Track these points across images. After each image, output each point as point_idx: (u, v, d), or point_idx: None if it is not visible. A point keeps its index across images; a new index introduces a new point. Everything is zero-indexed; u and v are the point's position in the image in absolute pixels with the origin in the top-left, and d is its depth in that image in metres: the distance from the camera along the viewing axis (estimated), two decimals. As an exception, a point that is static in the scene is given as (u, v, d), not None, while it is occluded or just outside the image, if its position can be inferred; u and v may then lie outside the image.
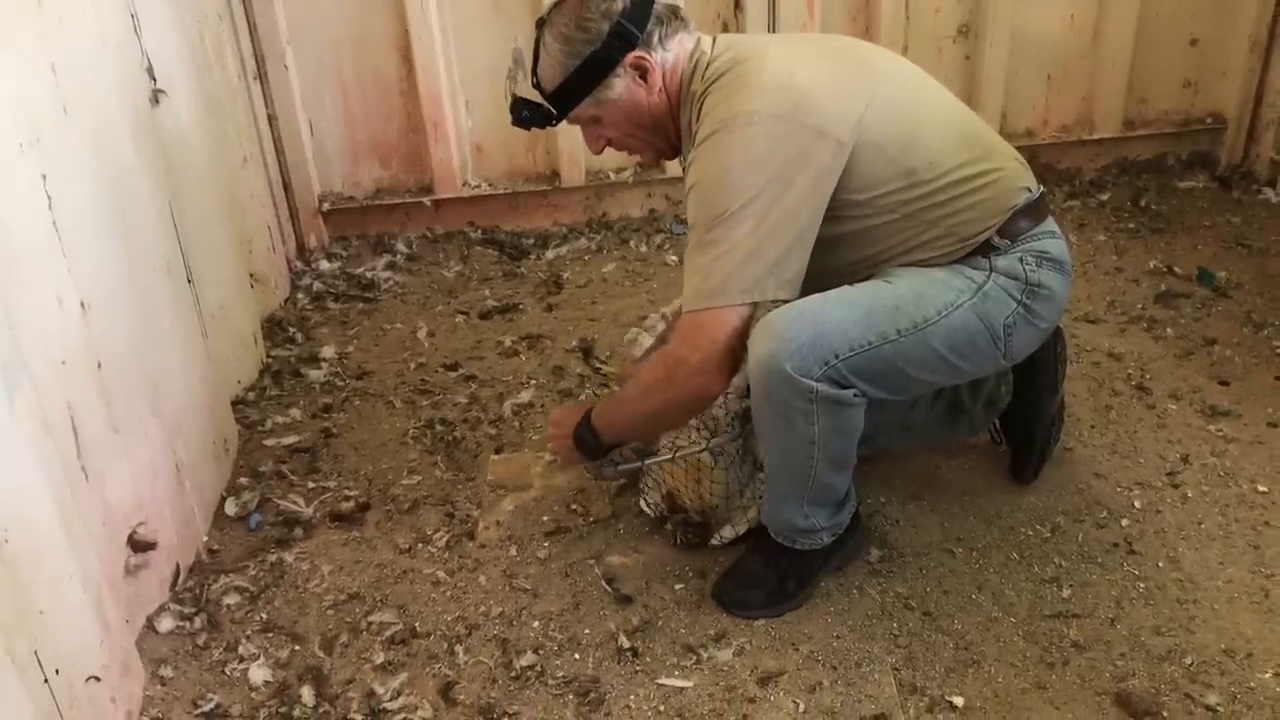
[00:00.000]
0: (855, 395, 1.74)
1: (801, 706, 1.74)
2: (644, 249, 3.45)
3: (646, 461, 2.03)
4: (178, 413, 2.14)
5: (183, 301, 2.26)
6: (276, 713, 1.80)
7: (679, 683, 1.81)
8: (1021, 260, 1.80)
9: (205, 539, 2.21)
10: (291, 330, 3.03)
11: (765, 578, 1.94)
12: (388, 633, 1.95)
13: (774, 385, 1.71)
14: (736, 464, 2.04)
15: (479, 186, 3.55)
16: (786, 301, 1.72)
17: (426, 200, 3.53)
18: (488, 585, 2.06)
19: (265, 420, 2.62)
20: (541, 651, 1.89)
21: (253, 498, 2.32)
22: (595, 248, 3.48)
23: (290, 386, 2.78)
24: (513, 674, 1.85)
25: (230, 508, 2.30)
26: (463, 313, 3.13)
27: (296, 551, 2.17)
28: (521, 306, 3.14)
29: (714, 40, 1.87)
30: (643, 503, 2.16)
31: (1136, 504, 2.14)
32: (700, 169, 1.73)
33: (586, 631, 1.93)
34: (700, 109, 1.78)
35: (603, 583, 2.03)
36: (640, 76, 1.82)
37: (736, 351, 1.72)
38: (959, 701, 1.73)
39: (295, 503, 2.30)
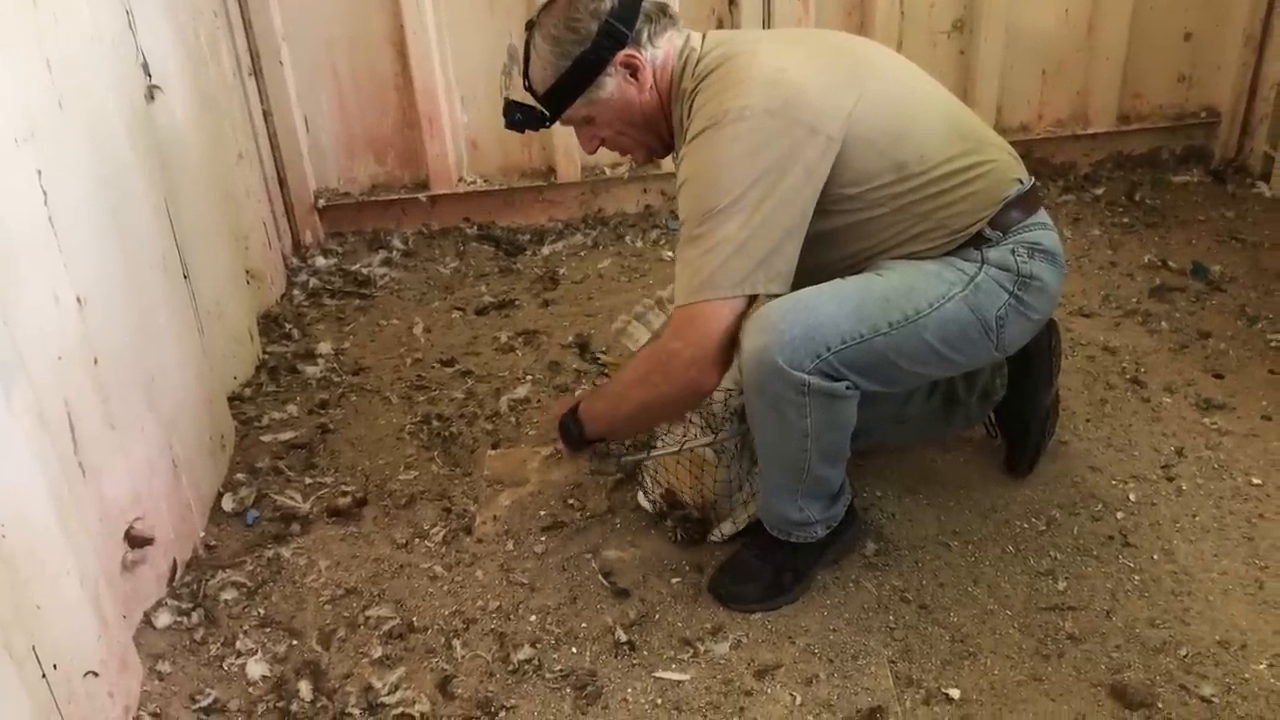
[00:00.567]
0: (848, 388, 1.75)
1: (798, 699, 1.75)
2: (640, 244, 3.45)
3: (651, 454, 2.03)
4: (174, 409, 2.14)
5: (179, 297, 2.26)
6: (274, 707, 1.81)
7: (676, 676, 1.81)
8: (1013, 252, 1.80)
9: (202, 534, 2.21)
10: (288, 326, 3.03)
11: (761, 571, 1.95)
12: (385, 627, 1.96)
13: (766, 378, 1.71)
14: (737, 460, 2.05)
15: (474, 182, 3.55)
16: (778, 296, 1.72)
17: (422, 196, 3.52)
18: (485, 580, 2.06)
19: (262, 416, 2.62)
20: (539, 645, 1.89)
21: (250, 493, 2.32)
22: (591, 243, 3.48)
23: (287, 383, 2.78)
24: (510, 668, 1.85)
25: (227, 503, 2.30)
26: (459, 309, 3.13)
27: (294, 547, 2.18)
28: (518, 302, 3.14)
29: (704, 37, 1.87)
30: (641, 498, 2.17)
31: (1131, 497, 2.15)
32: (691, 165, 1.74)
33: (584, 625, 1.93)
34: (691, 106, 1.79)
35: (599, 577, 2.04)
36: (631, 75, 1.83)
37: (729, 346, 1.73)
38: (955, 694, 1.74)
39: (292, 498, 2.30)
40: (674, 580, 2.02)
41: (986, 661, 1.80)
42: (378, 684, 1.83)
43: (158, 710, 1.82)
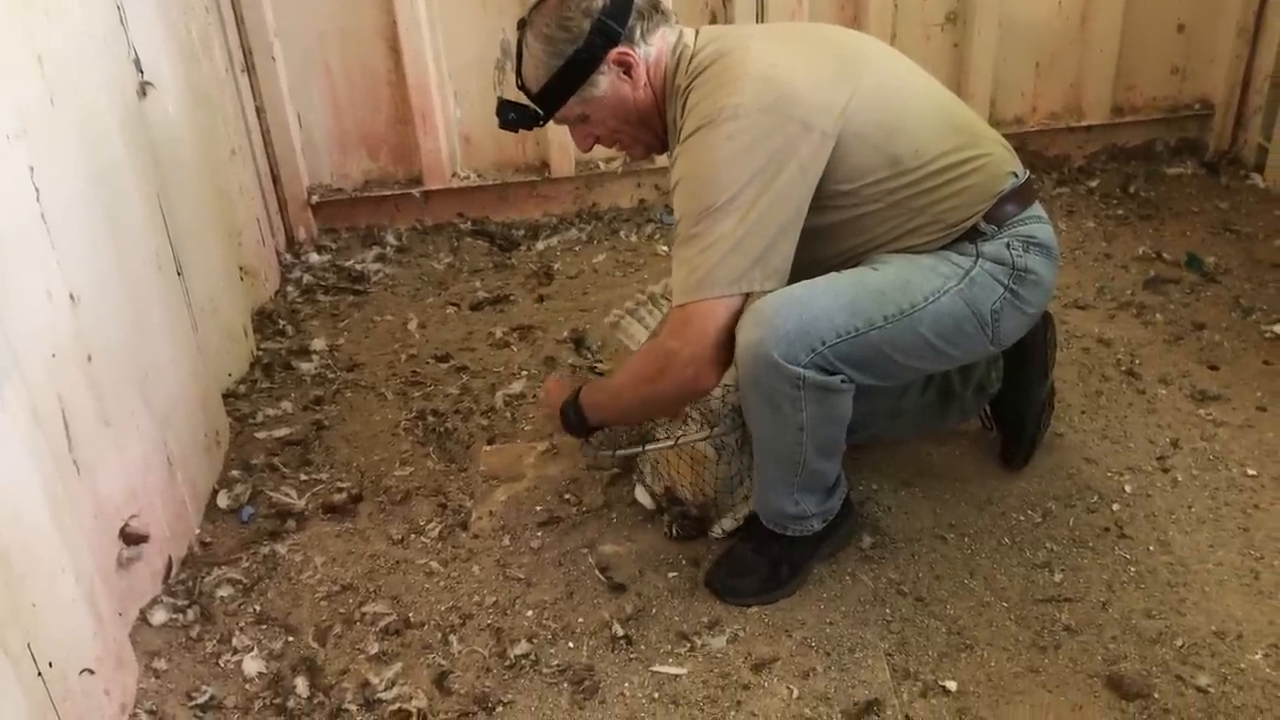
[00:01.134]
0: (843, 381, 1.75)
1: (795, 692, 1.75)
2: (634, 239, 3.45)
3: (646, 448, 2.02)
4: (169, 405, 2.13)
5: (172, 294, 2.25)
6: (271, 704, 1.80)
7: (673, 670, 1.81)
8: (1008, 245, 1.80)
9: (197, 531, 2.21)
10: (282, 323, 3.03)
11: (758, 565, 1.95)
12: (381, 623, 1.96)
13: (761, 372, 1.71)
14: (736, 456, 2.05)
15: (468, 178, 3.54)
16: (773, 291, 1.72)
17: (416, 192, 3.52)
18: (481, 575, 2.06)
19: (256, 413, 2.61)
20: (535, 640, 1.89)
21: (245, 490, 2.32)
22: (585, 238, 3.47)
23: (281, 379, 2.77)
24: (507, 663, 1.85)
25: (222, 500, 2.29)
26: (453, 304, 3.13)
27: (289, 543, 2.17)
28: (512, 297, 3.14)
29: (697, 33, 1.87)
30: (639, 494, 2.17)
31: (1127, 488, 2.15)
32: (686, 164, 1.74)
33: (580, 620, 1.93)
34: (685, 103, 1.78)
35: (596, 571, 2.04)
36: (625, 72, 1.82)
37: (727, 344, 1.72)
38: (952, 686, 1.74)
39: (287, 495, 2.30)
40: (670, 574, 2.02)
41: (983, 653, 1.80)
42: (374, 680, 1.83)
43: (154, 708, 1.81)
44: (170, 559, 2.08)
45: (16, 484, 1.51)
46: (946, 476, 2.22)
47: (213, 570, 2.10)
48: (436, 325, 3.02)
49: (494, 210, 3.59)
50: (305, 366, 2.81)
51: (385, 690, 1.81)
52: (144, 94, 2.29)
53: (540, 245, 3.44)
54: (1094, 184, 3.53)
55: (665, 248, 3.37)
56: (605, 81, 1.82)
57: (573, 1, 1.78)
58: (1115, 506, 2.11)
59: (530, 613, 1.96)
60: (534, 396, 2.62)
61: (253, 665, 1.88)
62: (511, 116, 1.90)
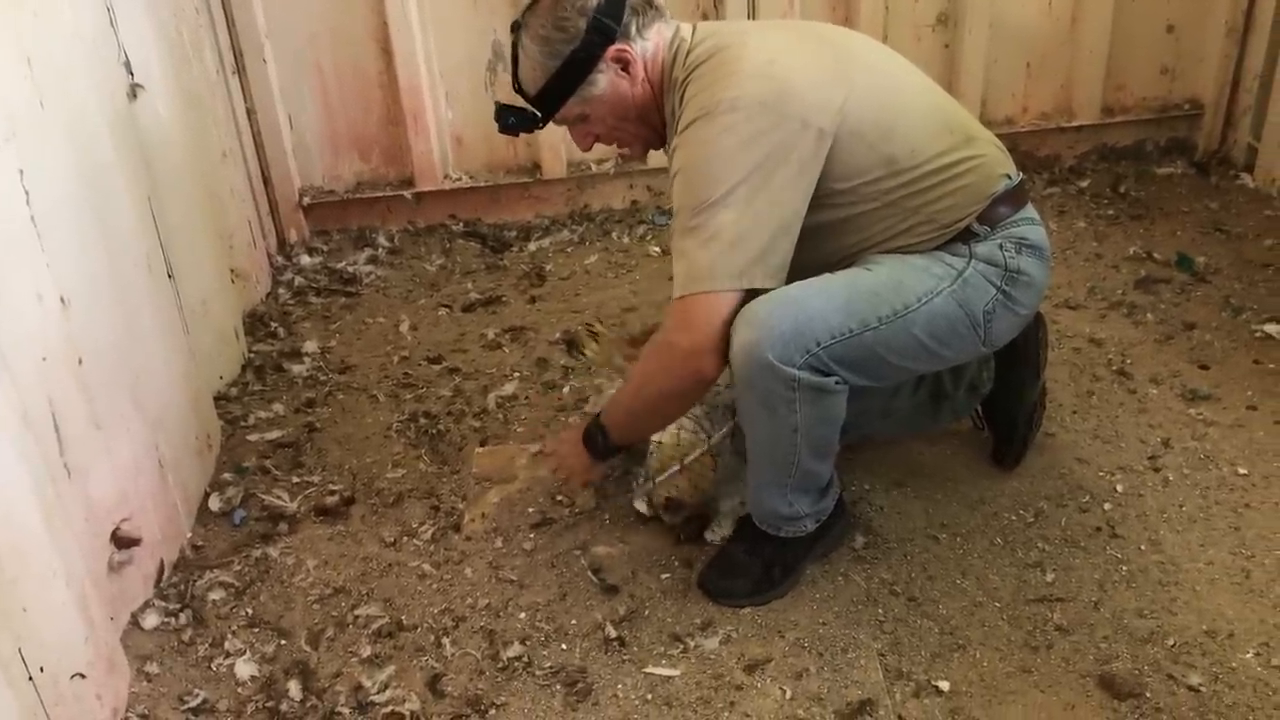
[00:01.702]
0: (837, 383, 1.75)
1: (788, 693, 1.75)
2: (626, 240, 3.45)
3: (685, 461, 2.03)
4: (160, 408, 2.13)
5: (163, 297, 2.25)
6: (263, 707, 1.80)
7: (666, 671, 1.81)
8: (1001, 247, 1.80)
9: (189, 535, 2.20)
10: (273, 325, 3.02)
11: (750, 566, 1.95)
12: (374, 626, 1.95)
13: (756, 373, 1.71)
14: (728, 453, 2.05)
15: (460, 179, 3.54)
16: (772, 290, 1.72)
17: (407, 193, 3.51)
18: (474, 577, 2.06)
19: (248, 415, 2.61)
20: (528, 642, 1.89)
21: (236, 493, 2.31)
22: (577, 239, 3.47)
23: (273, 381, 2.77)
24: (500, 665, 1.85)
25: (214, 503, 2.29)
26: (445, 306, 3.12)
27: (281, 546, 2.17)
28: (504, 299, 3.13)
29: (694, 28, 1.87)
30: (636, 503, 2.15)
31: (1118, 488, 2.16)
32: (684, 156, 1.73)
33: (573, 622, 1.93)
34: (682, 95, 1.78)
35: (589, 573, 2.04)
36: (623, 69, 1.82)
37: (727, 335, 1.72)
38: (945, 686, 1.75)
39: (279, 497, 2.29)
40: (663, 576, 2.02)
41: (976, 653, 1.81)
42: (367, 683, 1.83)
43: (146, 712, 1.81)
44: (162, 562, 2.07)
45: (7, 487, 1.50)
46: (938, 476, 2.22)
47: (204, 573, 2.10)
48: (428, 327, 3.02)
49: (486, 212, 3.59)
50: (297, 369, 2.81)
51: (378, 693, 1.81)
52: (134, 96, 2.28)
53: (532, 246, 3.44)
54: (1085, 184, 3.54)
55: (657, 249, 3.37)
56: (604, 80, 1.82)
57: (568, 1, 1.78)
58: (1107, 506, 2.11)
59: (523, 615, 1.96)
60: (526, 398, 2.62)
61: (245, 669, 1.88)
62: (511, 121, 1.90)
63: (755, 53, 1.75)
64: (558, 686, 1.80)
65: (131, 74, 2.28)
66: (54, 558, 1.59)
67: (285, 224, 3.47)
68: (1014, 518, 2.10)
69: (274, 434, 2.53)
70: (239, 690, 1.84)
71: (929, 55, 3.45)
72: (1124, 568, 1.96)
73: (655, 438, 2.07)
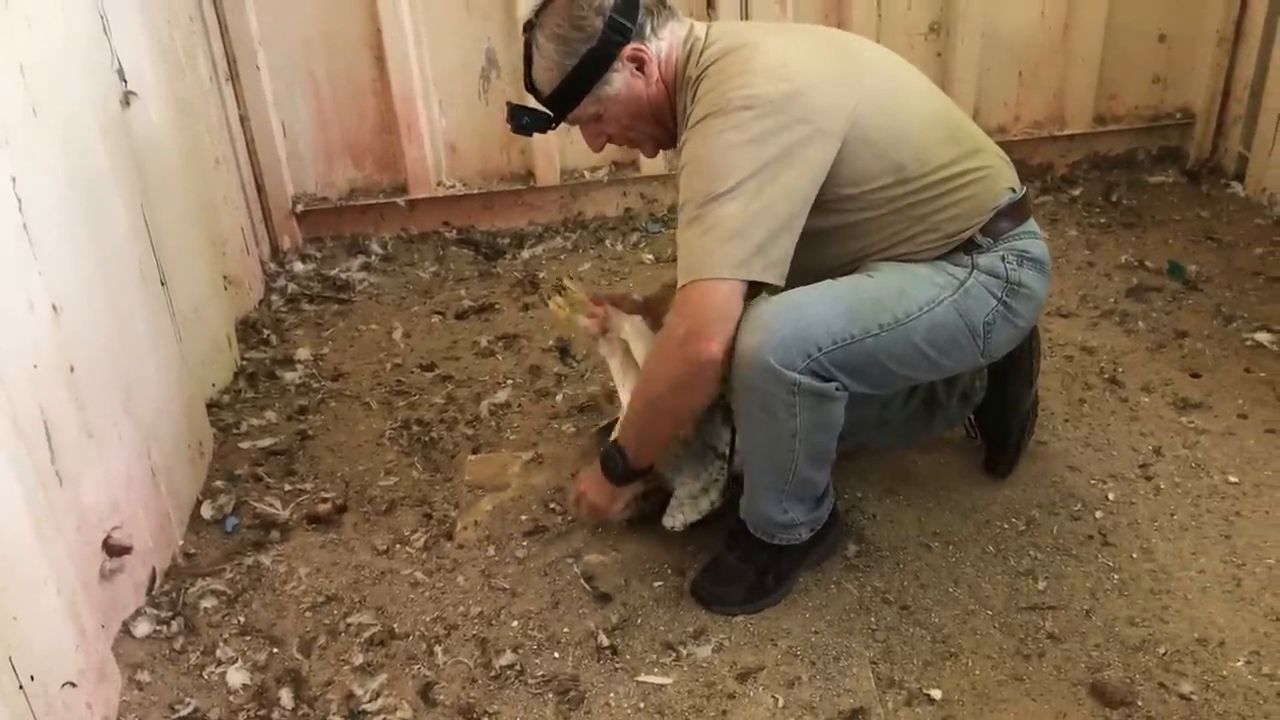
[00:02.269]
0: (837, 389, 1.75)
1: (780, 701, 1.75)
2: (619, 248, 3.45)
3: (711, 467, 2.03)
4: (152, 416, 2.12)
5: (156, 304, 2.24)
6: (255, 716, 1.80)
7: (658, 680, 1.81)
8: (1003, 259, 1.81)
9: (181, 543, 2.20)
10: (266, 332, 3.02)
11: (744, 573, 1.95)
12: (366, 634, 1.95)
13: (758, 377, 1.71)
14: (694, 436, 2.03)
15: (453, 186, 3.54)
16: (773, 285, 1.71)
17: (401, 200, 3.51)
18: (466, 585, 2.05)
19: (240, 423, 2.60)
20: (521, 651, 1.89)
21: (229, 501, 2.30)
22: (571, 247, 3.48)
23: (265, 389, 2.76)
24: (492, 674, 1.85)
25: (206, 511, 2.28)
26: (439, 313, 3.12)
27: (273, 554, 2.16)
28: (497, 306, 3.13)
29: (707, 27, 1.86)
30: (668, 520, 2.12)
31: (1110, 496, 2.16)
32: (692, 149, 1.73)
33: (566, 630, 1.93)
34: (695, 93, 1.77)
35: (581, 581, 2.04)
36: (638, 69, 1.82)
37: (730, 320, 1.70)
38: (937, 694, 1.75)
39: (272, 505, 2.29)
40: (656, 584, 2.02)
41: (968, 662, 1.81)
42: (359, 691, 1.82)
43: (137, 720, 1.81)
44: (154, 570, 2.07)
45: (-3, 496, 1.50)
46: (931, 485, 2.23)
47: (196, 581, 2.09)
48: (422, 334, 3.02)
49: (479, 219, 3.59)
50: (289, 376, 2.80)
51: (370, 702, 1.80)
52: (127, 103, 2.28)
53: (525, 254, 3.44)
54: (1076, 192, 3.55)
55: (651, 256, 3.37)
56: (619, 79, 1.82)
57: (584, 1, 1.78)
58: (1098, 514, 2.12)
59: (515, 623, 1.95)
60: (519, 405, 2.62)
61: (237, 677, 1.87)
62: (525, 121, 1.88)
63: (769, 54, 1.74)
64: (550, 695, 1.80)
65: (125, 81, 2.28)
66: (45, 566, 1.59)
67: (278, 231, 3.47)
68: (1006, 526, 2.10)
69: (266, 441, 2.52)
70: (231, 699, 1.84)
71: (921, 63, 3.41)
72: (1115, 576, 1.97)
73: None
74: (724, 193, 1.67)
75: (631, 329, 2.08)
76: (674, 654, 1.86)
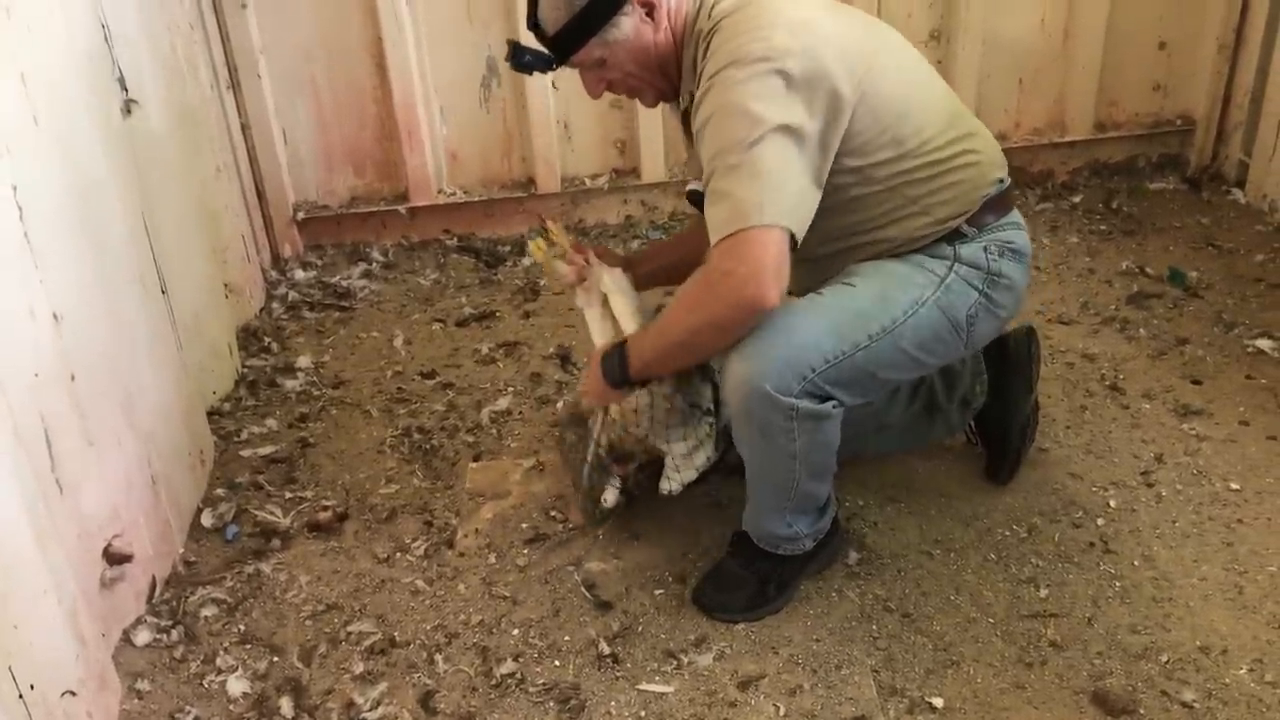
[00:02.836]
0: (834, 406, 1.75)
1: (782, 710, 1.75)
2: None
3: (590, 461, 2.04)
4: (152, 424, 2.12)
5: (156, 312, 2.24)
6: (255, 725, 1.80)
7: (659, 688, 1.81)
8: (985, 249, 1.82)
9: (182, 551, 2.20)
10: (267, 340, 3.02)
11: (745, 581, 1.95)
12: (367, 642, 1.95)
13: (755, 405, 1.71)
14: (670, 396, 2.00)
15: (454, 194, 3.55)
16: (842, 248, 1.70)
17: (401, 208, 3.52)
18: (467, 593, 2.05)
19: (241, 431, 2.60)
20: (522, 659, 1.89)
21: (229, 509, 2.30)
22: (572, 254, 3.47)
23: (266, 396, 2.76)
24: (493, 682, 1.84)
25: (207, 519, 2.28)
26: (439, 320, 3.12)
27: (274, 562, 2.16)
28: (498, 314, 3.14)
29: None
30: (607, 496, 2.11)
31: (1112, 503, 2.16)
32: (716, 100, 1.67)
33: (566, 638, 1.93)
34: (708, 45, 1.73)
35: (582, 589, 2.03)
36: (648, 14, 1.77)
37: (786, 269, 1.63)
38: (938, 702, 1.74)
39: (272, 513, 2.29)
40: (657, 592, 2.01)
41: (969, 670, 1.80)
42: (360, 700, 1.82)
43: (137, 729, 1.80)
44: (154, 578, 2.07)
45: (-2, 505, 1.50)
46: (932, 492, 2.22)
47: (197, 590, 2.09)
48: (422, 342, 3.02)
49: (480, 226, 3.60)
50: (290, 384, 2.80)
51: (370, 710, 1.80)
52: (129, 112, 2.29)
53: (526, 261, 3.44)
54: (1077, 199, 3.55)
55: (651, 264, 3.36)
56: (628, 23, 1.77)
57: None
58: (1100, 521, 2.11)
59: (516, 631, 1.95)
60: (520, 413, 2.61)
61: (237, 686, 1.87)
62: (528, 59, 1.82)
63: (791, 10, 1.71)
64: (551, 704, 1.79)
65: (126, 90, 2.28)
66: (45, 575, 1.59)
67: (279, 239, 3.47)
68: (1007, 533, 2.10)
69: (267, 449, 2.52)
70: (231, 707, 1.83)
71: None
72: (1117, 583, 1.96)
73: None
74: (759, 138, 1.62)
75: (611, 281, 2.05)
76: (675, 662, 1.85)
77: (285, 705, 1.82)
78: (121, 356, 2.01)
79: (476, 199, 3.55)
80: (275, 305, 3.23)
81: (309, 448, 2.54)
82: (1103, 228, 3.37)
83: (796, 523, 1.89)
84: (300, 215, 3.48)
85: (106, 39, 2.20)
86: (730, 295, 1.63)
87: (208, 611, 2.04)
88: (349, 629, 1.98)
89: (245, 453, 2.52)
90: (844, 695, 1.77)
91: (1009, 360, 2.17)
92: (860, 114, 1.71)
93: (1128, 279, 3.04)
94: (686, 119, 1.88)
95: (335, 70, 3.35)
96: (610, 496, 2.11)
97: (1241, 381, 2.53)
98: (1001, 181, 1.85)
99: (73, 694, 1.64)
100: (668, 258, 2.25)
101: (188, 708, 1.83)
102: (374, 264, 3.47)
